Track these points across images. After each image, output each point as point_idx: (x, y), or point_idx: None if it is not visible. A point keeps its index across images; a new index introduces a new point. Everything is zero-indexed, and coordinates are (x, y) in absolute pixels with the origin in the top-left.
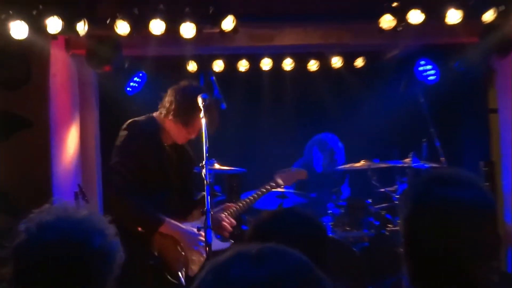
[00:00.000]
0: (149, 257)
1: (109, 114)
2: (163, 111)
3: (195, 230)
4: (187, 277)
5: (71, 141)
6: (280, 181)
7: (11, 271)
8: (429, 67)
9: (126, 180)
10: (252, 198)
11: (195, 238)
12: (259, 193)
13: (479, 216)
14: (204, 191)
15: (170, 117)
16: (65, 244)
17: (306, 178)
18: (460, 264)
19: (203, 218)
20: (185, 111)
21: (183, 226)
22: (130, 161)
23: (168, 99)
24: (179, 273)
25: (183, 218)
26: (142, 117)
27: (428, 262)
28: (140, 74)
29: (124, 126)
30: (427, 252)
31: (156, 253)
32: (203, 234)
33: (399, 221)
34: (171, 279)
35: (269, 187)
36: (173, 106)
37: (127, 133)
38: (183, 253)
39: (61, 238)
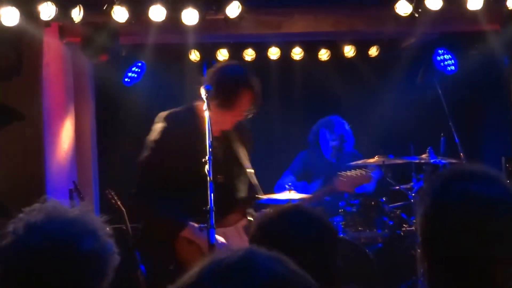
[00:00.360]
0: (169, 263)
1: (106, 107)
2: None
3: (221, 239)
4: None
5: (65, 135)
6: (342, 186)
7: None
8: (447, 56)
9: (152, 178)
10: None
11: (217, 246)
12: (315, 198)
13: (503, 214)
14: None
15: (211, 101)
16: (53, 247)
17: (369, 182)
18: (481, 266)
19: (240, 222)
20: (225, 92)
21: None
22: (161, 157)
23: (205, 81)
24: None
25: (218, 221)
26: (180, 108)
27: (446, 262)
28: (139, 64)
29: (160, 117)
30: (445, 252)
31: (175, 259)
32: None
33: (415, 220)
34: None
35: (324, 192)
36: (214, 92)
37: (162, 126)
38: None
39: (49, 240)
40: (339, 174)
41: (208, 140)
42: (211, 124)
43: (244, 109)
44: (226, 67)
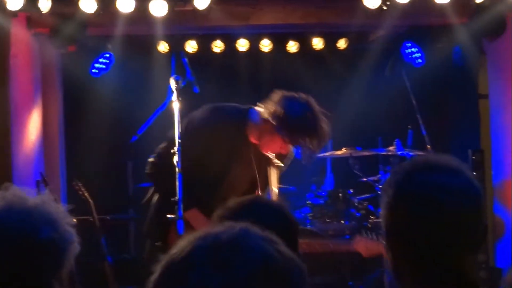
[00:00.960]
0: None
1: (73, 98)
2: (267, 112)
3: None
4: None
5: (32, 126)
6: (360, 247)
7: None
8: (415, 49)
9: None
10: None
11: None
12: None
13: (464, 204)
14: None
15: (271, 124)
16: (10, 235)
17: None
18: (444, 255)
19: None
20: (291, 131)
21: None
22: (196, 147)
23: (274, 104)
24: None
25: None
26: (232, 105)
27: (410, 253)
28: (107, 55)
29: (208, 107)
30: (409, 242)
31: (166, 238)
32: None
33: (380, 211)
34: None
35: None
36: (277, 117)
37: (206, 116)
38: None
39: (5, 228)
40: (363, 232)
41: (177, 130)
42: (256, 136)
43: (290, 150)
44: (299, 106)
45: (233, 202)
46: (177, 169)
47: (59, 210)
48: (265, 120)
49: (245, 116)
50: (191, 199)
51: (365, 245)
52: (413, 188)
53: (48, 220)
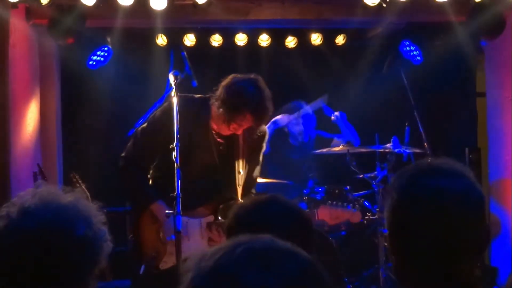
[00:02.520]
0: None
1: (71, 89)
2: (214, 100)
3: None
4: (154, 268)
5: (30, 118)
6: (323, 215)
7: None
8: (412, 47)
9: (139, 150)
10: None
11: (171, 229)
12: None
13: (467, 207)
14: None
15: (218, 106)
16: (46, 231)
17: (356, 221)
18: (447, 258)
19: (207, 217)
20: (229, 107)
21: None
22: (156, 131)
23: (220, 89)
24: (145, 261)
25: (189, 209)
26: (197, 95)
27: (414, 256)
28: (106, 48)
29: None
30: (413, 246)
31: (132, 234)
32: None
33: (384, 213)
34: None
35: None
36: (219, 96)
37: (166, 105)
38: (163, 243)
39: (42, 225)
40: (328, 202)
41: (176, 126)
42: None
43: (243, 128)
44: (239, 82)
45: (249, 200)
46: (176, 165)
47: (92, 207)
48: (215, 102)
49: (206, 104)
50: (153, 191)
51: (330, 214)
52: (416, 192)
53: (83, 217)
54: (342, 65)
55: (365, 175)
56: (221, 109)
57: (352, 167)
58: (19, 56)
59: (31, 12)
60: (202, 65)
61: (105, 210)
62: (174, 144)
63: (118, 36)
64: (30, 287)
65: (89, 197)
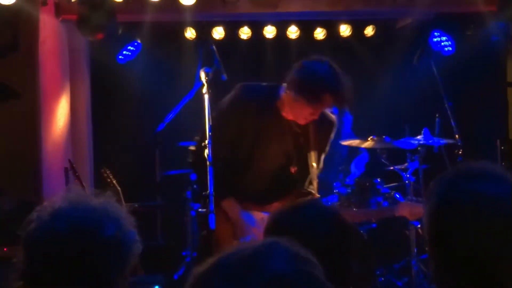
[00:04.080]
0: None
1: (101, 84)
2: (287, 81)
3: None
4: None
5: (61, 113)
6: (404, 211)
7: (22, 260)
8: (444, 38)
9: (213, 152)
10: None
11: (246, 229)
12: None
13: (509, 212)
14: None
15: (291, 92)
16: (76, 233)
17: None
18: (490, 265)
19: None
20: (308, 92)
21: (241, 213)
22: (224, 126)
23: (291, 72)
24: None
25: (265, 204)
26: (262, 83)
27: (453, 262)
28: (135, 43)
29: (236, 87)
30: (452, 252)
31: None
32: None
33: (423, 218)
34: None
35: (385, 213)
36: (294, 81)
37: (233, 95)
38: (235, 241)
39: (72, 226)
40: (408, 197)
41: (208, 124)
42: (288, 113)
43: (321, 111)
44: (315, 65)
45: (287, 205)
46: (208, 163)
47: (121, 209)
48: (288, 90)
49: (275, 92)
50: (225, 188)
51: (410, 210)
52: (456, 197)
53: (112, 218)
54: (371, 57)
55: (396, 167)
56: (298, 95)
57: (382, 159)
58: (49, 52)
59: (61, 8)
60: (231, 58)
61: (136, 205)
62: (206, 142)
63: (147, 31)
64: None
65: (120, 192)
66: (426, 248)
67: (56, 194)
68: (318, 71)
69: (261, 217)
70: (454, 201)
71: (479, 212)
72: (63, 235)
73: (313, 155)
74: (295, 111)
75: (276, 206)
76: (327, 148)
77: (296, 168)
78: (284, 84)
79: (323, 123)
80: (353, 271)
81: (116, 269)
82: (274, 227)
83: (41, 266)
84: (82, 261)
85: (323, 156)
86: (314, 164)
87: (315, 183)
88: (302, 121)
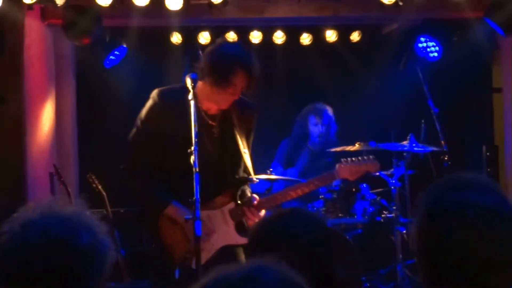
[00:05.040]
0: (151, 242)
1: (86, 89)
2: (199, 74)
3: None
4: (189, 269)
5: (46, 118)
6: (344, 174)
7: None
8: (430, 43)
9: (137, 157)
10: (299, 190)
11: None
12: (312, 185)
13: (498, 223)
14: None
15: (206, 79)
16: (49, 243)
17: (375, 171)
18: (478, 275)
19: (227, 206)
20: (221, 70)
21: (186, 212)
22: (147, 136)
23: (202, 60)
24: (179, 265)
25: (206, 202)
26: (177, 85)
27: (442, 273)
28: (121, 48)
29: (152, 93)
30: (441, 262)
31: (158, 239)
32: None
33: (413, 228)
34: (169, 269)
35: (324, 179)
36: (205, 66)
37: (151, 103)
38: (190, 241)
39: (45, 237)
40: (342, 160)
41: (194, 130)
42: (207, 99)
43: (238, 89)
44: (224, 45)
45: (272, 214)
46: (194, 169)
47: (94, 218)
48: (202, 79)
49: (188, 88)
50: (163, 194)
51: (349, 170)
52: (445, 208)
53: (86, 227)
54: (357, 62)
55: (381, 173)
56: (211, 78)
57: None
58: (34, 57)
59: (46, 12)
60: None
61: (121, 210)
62: (192, 148)
63: (133, 36)
64: None
65: (106, 198)
66: (415, 258)
67: (41, 200)
68: (227, 49)
69: (206, 214)
70: (443, 212)
71: (467, 222)
72: (35, 245)
73: (241, 142)
74: (216, 97)
75: (218, 200)
76: (252, 134)
77: (220, 159)
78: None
79: (245, 109)
80: (338, 276)
81: (92, 278)
82: (259, 236)
83: (14, 278)
84: (56, 271)
85: (249, 143)
86: (246, 151)
87: (251, 169)
88: (225, 105)
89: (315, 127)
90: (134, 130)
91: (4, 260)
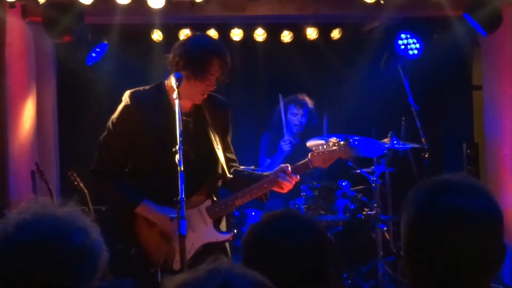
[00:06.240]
0: (130, 246)
1: (67, 86)
2: (172, 69)
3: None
4: (170, 270)
5: (27, 115)
6: (317, 162)
7: None
8: (411, 40)
9: (108, 159)
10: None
11: (173, 223)
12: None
13: (485, 227)
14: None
15: (178, 68)
16: (42, 244)
17: (349, 158)
18: (462, 276)
19: (204, 204)
20: (194, 61)
21: (160, 210)
22: (119, 138)
23: (172, 55)
24: (160, 268)
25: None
26: (148, 86)
27: (429, 273)
28: (101, 44)
29: (124, 95)
30: (429, 264)
31: (137, 243)
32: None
33: (401, 229)
34: (150, 270)
35: (301, 168)
36: (179, 60)
37: (123, 105)
38: (169, 242)
39: (38, 238)
40: (314, 149)
41: (178, 129)
42: (181, 97)
43: (214, 79)
44: (194, 37)
45: (264, 217)
46: (179, 168)
47: (87, 218)
48: (174, 71)
49: (161, 87)
50: (136, 194)
51: (323, 159)
52: (435, 211)
53: (79, 227)
54: (338, 60)
55: (362, 170)
56: (186, 71)
57: (349, 163)
58: (15, 54)
59: (28, 10)
60: None
61: (103, 208)
62: (177, 147)
63: (114, 32)
64: None
65: (88, 195)
66: (402, 259)
67: (23, 197)
68: (199, 40)
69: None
70: (433, 215)
71: (456, 226)
72: (29, 246)
73: (215, 139)
74: (190, 92)
75: (195, 199)
76: (229, 130)
77: (195, 156)
78: (167, 80)
79: (217, 106)
80: (330, 274)
81: (85, 279)
82: (252, 239)
83: (7, 280)
84: (50, 272)
85: (229, 139)
86: (219, 146)
87: (225, 166)
88: (199, 99)
89: (294, 117)
90: (105, 132)
91: None
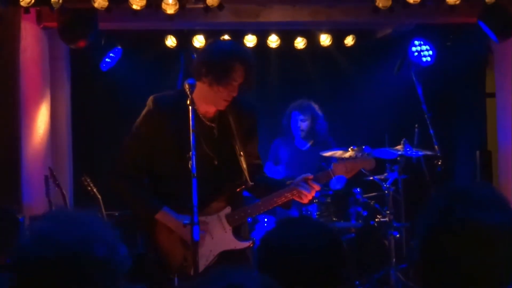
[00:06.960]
0: (148, 250)
1: (81, 92)
2: (196, 76)
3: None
4: (188, 277)
5: (41, 121)
6: (340, 171)
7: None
8: (424, 47)
9: (129, 160)
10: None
11: (186, 229)
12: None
13: (506, 243)
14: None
15: (204, 79)
16: (64, 256)
17: (372, 168)
18: None
19: (224, 210)
20: (217, 67)
21: (176, 217)
22: (141, 142)
23: (196, 61)
24: (178, 274)
25: (203, 207)
26: (172, 90)
27: (446, 284)
28: (116, 50)
29: (148, 100)
30: (443, 278)
31: (157, 247)
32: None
33: (416, 239)
34: (170, 276)
35: (323, 177)
36: (202, 65)
37: (146, 109)
38: (186, 248)
39: (60, 250)
40: (339, 158)
41: (192, 134)
42: (205, 101)
43: (237, 85)
44: (218, 42)
45: (278, 223)
46: (192, 174)
47: (107, 224)
48: (198, 81)
49: (185, 93)
50: (156, 201)
51: (346, 168)
52: (452, 225)
53: (101, 237)
54: (351, 66)
55: (375, 177)
56: (209, 77)
57: (362, 169)
58: (30, 60)
59: (42, 15)
60: None
61: (116, 214)
62: (190, 153)
63: (128, 38)
64: None
65: (101, 200)
66: (416, 269)
67: (36, 202)
68: (223, 46)
69: (202, 220)
70: (449, 229)
71: (473, 241)
72: (50, 260)
73: (239, 145)
74: (213, 98)
75: (214, 206)
76: (255, 134)
77: (218, 162)
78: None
79: (243, 110)
80: (345, 282)
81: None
82: (266, 247)
83: None
84: (71, 284)
85: (255, 143)
86: (242, 153)
87: (246, 173)
88: (223, 105)
89: (297, 123)
90: (128, 136)
91: (19, 276)
